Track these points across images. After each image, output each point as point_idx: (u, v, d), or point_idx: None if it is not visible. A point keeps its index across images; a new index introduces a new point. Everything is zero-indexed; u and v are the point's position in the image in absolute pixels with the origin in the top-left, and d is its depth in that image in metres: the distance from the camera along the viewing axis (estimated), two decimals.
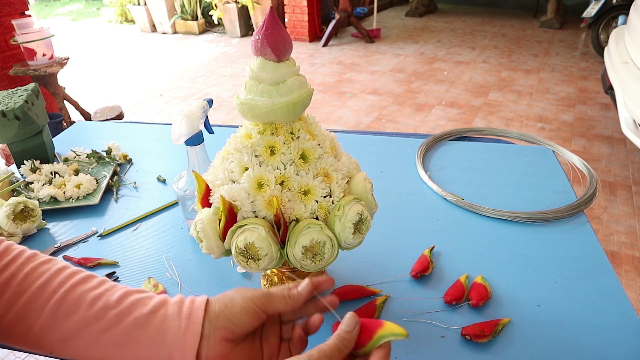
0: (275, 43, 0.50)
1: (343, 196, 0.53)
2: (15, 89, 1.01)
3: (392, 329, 0.36)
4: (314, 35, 5.23)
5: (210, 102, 0.77)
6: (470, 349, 0.56)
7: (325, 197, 0.53)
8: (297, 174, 0.52)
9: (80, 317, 0.38)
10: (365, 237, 0.55)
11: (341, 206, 0.51)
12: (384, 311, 0.61)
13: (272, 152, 0.53)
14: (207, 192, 0.55)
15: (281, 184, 0.52)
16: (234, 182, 0.53)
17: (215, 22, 5.67)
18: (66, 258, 0.73)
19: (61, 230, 0.81)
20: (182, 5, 5.79)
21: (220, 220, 0.50)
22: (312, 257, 0.51)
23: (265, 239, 0.49)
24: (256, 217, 0.52)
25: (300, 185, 0.52)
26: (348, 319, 0.37)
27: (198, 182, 0.54)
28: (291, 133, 0.53)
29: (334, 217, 0.52)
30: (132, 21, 6.60)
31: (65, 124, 2.53)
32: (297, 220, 0.52)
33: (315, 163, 0.53)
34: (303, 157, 0.53)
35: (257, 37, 0.50)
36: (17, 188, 0.90)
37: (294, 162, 0.52)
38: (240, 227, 0.50)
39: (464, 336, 0.56)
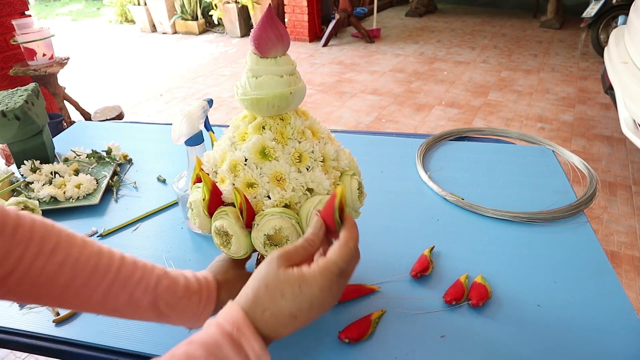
0: (258, 39, 0.51)
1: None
2: (16, 89, 1.01)
3: (341, 194, 0.43)
4: (314, 35, 5.22)
5: (210, 102, 0.77)
6: (470, 348, 0.56)
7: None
8: (256, 167, 0.53)
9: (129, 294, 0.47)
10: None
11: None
12: (383, 314, 0.61)
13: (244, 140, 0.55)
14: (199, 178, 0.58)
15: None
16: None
17: (215, 22, 5.67)
18: None
19: None
20: (182, 5, 5.79)
21: (204, 197, 0.53)
22: (275, 245, 0.52)
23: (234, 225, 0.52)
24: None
25: (245, 178, 0.53)
26: (314, 223, 0.44)
27: (197, 164, 0.58)
28: (262, 127, 0.54)
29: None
30: (132, 21, 6.60)
31: (65, 124, 2.53)
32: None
33: (269, 161, 0.53)
34: (262, 153, 0.53)
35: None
36: (17, 188, 0.90)
37: (250, 152, 0.53)
38: (221, 211, 0.53)
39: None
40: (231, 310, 0.39)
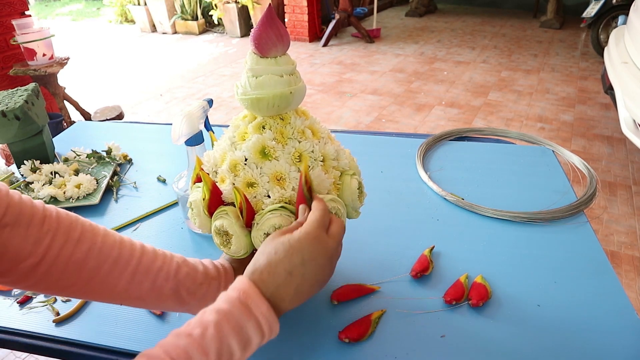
0: (258, 39, 0.51)
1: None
2: (16, 89, 1.01)
3: (304, 172, 0.51)
4: (314, 35, 5.23)
5: (210, 102, 0.77)
6: (470, 348, 0.56)
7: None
8: (257, 167, 0.53)
9: (151, 282, 0.49)
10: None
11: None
12: (383, 314, 0.61)
13: (244, 139, 0.55)
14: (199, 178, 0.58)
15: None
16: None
17: (215, 22, 5.67)
18: None
19: None
20: (182, 6, 5.79)
21: (204, 197, 0.53)
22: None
23: (233, 225, 0.52)
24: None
25: (245, 178, 0.53)
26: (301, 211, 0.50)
27: (197, 163, 0.58)
28: (262, 127, 0.54)
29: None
30: (132, 21, 6.60)
31: (65, 124, 2.53)
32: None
33: (269, 161, 0.53)
34: (262, 153, 0.53)
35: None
36: (17, 188, 0.90)
37: (250, 153, 0.53)
38: (220, 211, 0.53)
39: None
40: (236, 281, 0.44)
